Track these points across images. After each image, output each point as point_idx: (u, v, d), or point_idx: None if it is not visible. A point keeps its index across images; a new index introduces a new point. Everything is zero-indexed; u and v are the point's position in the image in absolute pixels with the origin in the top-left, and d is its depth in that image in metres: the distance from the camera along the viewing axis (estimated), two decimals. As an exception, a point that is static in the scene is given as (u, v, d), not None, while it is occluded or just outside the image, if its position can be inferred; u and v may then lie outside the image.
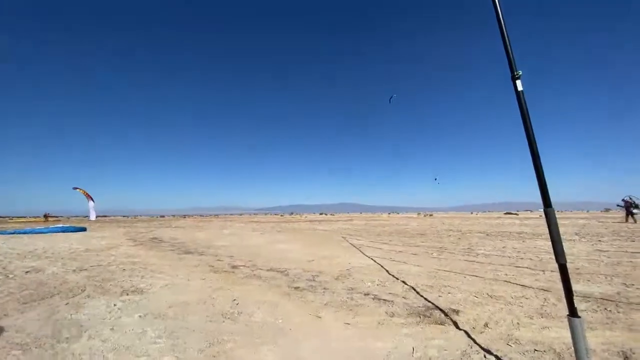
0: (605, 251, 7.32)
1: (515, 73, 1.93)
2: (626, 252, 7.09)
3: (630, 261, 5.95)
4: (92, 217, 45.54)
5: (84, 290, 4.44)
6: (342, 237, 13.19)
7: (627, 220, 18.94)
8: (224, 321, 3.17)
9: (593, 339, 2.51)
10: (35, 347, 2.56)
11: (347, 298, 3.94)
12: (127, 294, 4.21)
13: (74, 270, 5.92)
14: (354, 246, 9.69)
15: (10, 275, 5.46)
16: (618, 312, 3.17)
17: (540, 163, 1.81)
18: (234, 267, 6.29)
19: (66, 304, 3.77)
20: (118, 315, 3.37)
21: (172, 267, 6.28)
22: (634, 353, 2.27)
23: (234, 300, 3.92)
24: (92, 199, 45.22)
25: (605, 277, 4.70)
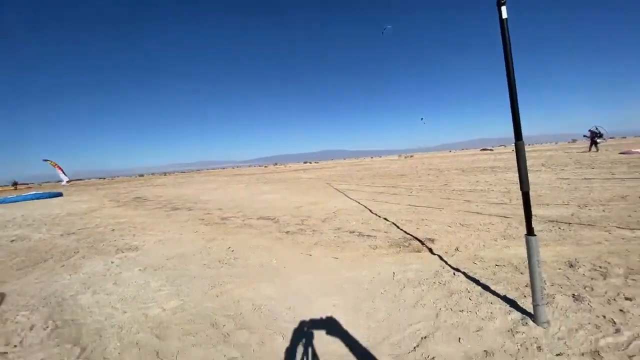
0: (566, 179, 8.05)
1: (501, -2, 1.82)
2: (585, 178, 7.83)
3: (587, 186, 6.62)
4: (64, 181, 43.74)
5: (77, 252, 4.51)
6: (327, 183, 13.58)
7: (590, 150, 20.45)
8: (221, 267, 3.40)
9: (545, 253, 2.94)
10: (43, 307, 2.70)
11: (334, 237, 4.26)
12: (122, 252, 4.33)
13: (61, 235, 5.91)
14: (339, 191, 10.07)
15: (-5, 245, 5.38)
16: (570, 230, 3.65)
17: (516, 95, 1.85)
18: (224, 218, 6.47)
19: (62, 266, 3.86)
20: (117, 271, 3.52)
21: (162, 224, 6.39)
22: (578, 262, 2.70)
23: (229, 248, 4.14)
24: (62, 171, 43.03)
25: (563, 202, 5.27)
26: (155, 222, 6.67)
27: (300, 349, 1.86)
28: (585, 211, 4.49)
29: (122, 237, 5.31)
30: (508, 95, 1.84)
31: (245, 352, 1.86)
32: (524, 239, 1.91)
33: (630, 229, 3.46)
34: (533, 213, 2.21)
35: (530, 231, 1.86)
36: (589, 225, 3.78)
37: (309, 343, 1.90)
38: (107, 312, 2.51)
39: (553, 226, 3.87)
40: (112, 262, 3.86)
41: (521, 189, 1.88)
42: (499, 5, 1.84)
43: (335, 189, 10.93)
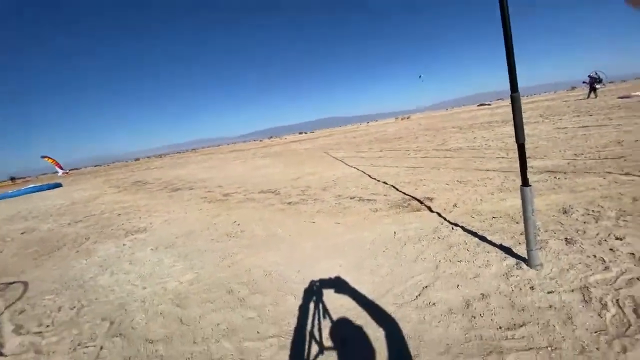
0: (563, 128, 8.02)
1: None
2: (582, 126, 7.81)
3: (584, 134, 6.63)
4: (60, 172, 43.59)
5: (88, 238, 4.65)
6: (324, 152, 13.53)
7: (589, 97, 20.05)
8: (229, 240, 3.54)
9: (540, 202, 3.05)
10: (66, 290, 2.86)
11: (335, 204, 4.37)
12: (132, 234, 4.46)
13: (69, 224, 6.03)
14: (337, 159, 10.08)
15: (8, 239, 5.52)
16: (565, 179, 3.74)
17: (512, 46, 1.79)
18: (226, 195, 6.56)
19: (76, 252, 4.00)
20: (131, 252, 3.66)
21: (165, 205, 6.49)
22: (572, 208, 2.81)
23: (235, 222, 4.27)
24: (60, 167, 42.64)
25: (560, 152, 5.31)
26: (159, 204, 6.77)
27: (311, 306, 2.01)
28: (581, 159, 4.55)
29: (129, 221, 5.43)
30: (504, 46, 1.78)
31: (262, 312, 2.01)
32: (519, 191, 1.98)
33: (625, 173, 3.54)
34: (529, 165, 2.26)
35: (525, 182, 1.92)
36: (584, 172, 3.86)
37: (319, 300, 2.05)
38: (128, 289, 2.66)
39: (549, 176, 3.95)
40: (123, 245, 4.00)
41: (516, 141, 1.90)
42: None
43: (333, 157, 10.93)
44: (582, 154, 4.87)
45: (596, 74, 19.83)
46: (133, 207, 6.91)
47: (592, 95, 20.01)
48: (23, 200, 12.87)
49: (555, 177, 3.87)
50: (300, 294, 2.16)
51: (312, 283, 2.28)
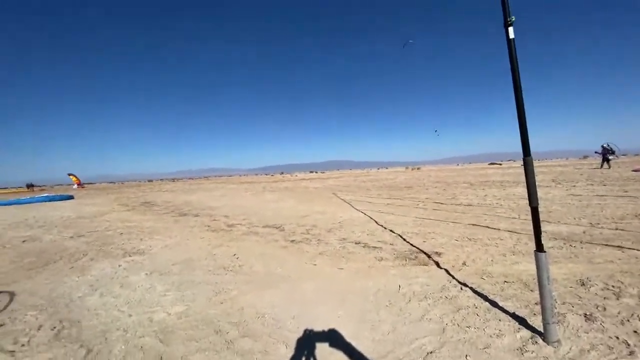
0: (577, 195, 7.88)
1: (509, 19, 1.87)
2: (597, 195, 7.66)
3: (599, 203, 6.48)
4: (75, 185, 45.24)
5: (86, 254, 4.59)
6: (333, 193, 13.58)
7: (602, 167, 20.08)
8: (226, 273, 3.41)
9: (556, 271, 2.87)
10: (50, 307, 2.74)
11: (340, 247, 4.24)
12: (130, 255, 4.39)
13: (71, 237, 6.02)
14: (345, 201, 10.06)
15: (8, 245, 5.52)
16: (581, 248, 3.56)
17: (524, 112, 1.87)
18: (230, 225, 6.51)
19: (71, 268, 3.93)
20: (124, 274, 3.56)
21: (169, 229, 6.46)
22: (590, 280, 2.63)
23: (234, 255, 4.16)
24: (80, 184, 45.15)
25: (574, 219, 5.15)
26: (163, 227, 6.75)
27: (303, 360, 1.84)
28: (598, 229, 4.38)
29: (130, 241, 5.38)
30: (516, 111, 1.86)
31: (249, 361, 1.85)
32: (534, 255, 1.89)
33: (645, 249, 3.36)
34: (543, 229, 2.18)
35: (539, 247, 1.84)
36: (601, 243, 3.69)
37: (313, 354, 1.88)
38: (114, 314, 2.53)
39: (564, 243, 3.78)
40: (119, 266, 3.91)
41: (530, 204, 1.87)
42: (506, 26, 1.88)
43: (341, 199, 10.91)
44: (599, 223, 4.70)
45: (608, 145, 20.11)
46: (137, 227, 6.90)
47: (606, 165, 20.09)
48: (34, 208, 13.11)
49: (571, 245, 3.69)
50: (293, 344, 1.99)
51: (307, 333, 2.11)
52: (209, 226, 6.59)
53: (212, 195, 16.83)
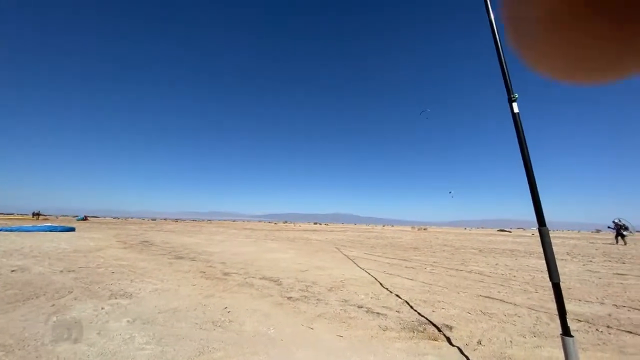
0: (596, 272, 7.38)
1: (512, 96, 2.00)
2: (616, 273, 7.16)
3: (621, 283, 6.01)
4: (79, 217, 45.69)
5: (71, 292, 4.33)
6: (336, 248, 13.11)
7: (617, 242, 19.40)
8: (214, 329, 3.11)
9: (585, 360, 2.52)
10: (19, 349, 2.48)
11: (340, 310, 3.90)
12: (116, 298, 4.11)
13: (61, 271, 5.78)
14: (348, 257, 9.63)
15: (-5, 274, 5.30)
16: (609, 334, 3.18)
17: (535, 183, 1.86)
18: (226, 274, 6.20)
19: (52, 306, 3.67)
20: (105, 319, 3.29)
21: (162, 272, 6.17)
22: (624, 375, 2.28)
23: (225, 308, 3.85)
24: (86, 219, 47.00)
25: (597, 298, 4.73)
26: (156, 269, 6.45)
27: None
28: (624, 312, 3.97)
29: (119, 282, 5.11)
30: (527, 181, 1.86)
31: None
32: (557, 339, 1.68)
33: (685, 343, 2.97)
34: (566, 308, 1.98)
35: (566, 331, 1.64)
36: (630, 330, 3.29)
37: None
38: (83, 367, 2.26)
39: (589, 327, 3.40)
40: (102, 308, 3.64)
41: (551, 279, 1.74)
42: (510, 102, 2.01)
43: (345, 254, 10.48)
44: (624, 306, 4.28)
45: (620, 220, 19.77)
46: (130, 267, 6.62)
47: (621, 241, 19.44)
48: (34, 237, 12.94)
49: (597, 330, 3.31)
50: None
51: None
52: (203, 272, 6.27)
53: (212, 239, 16.46)
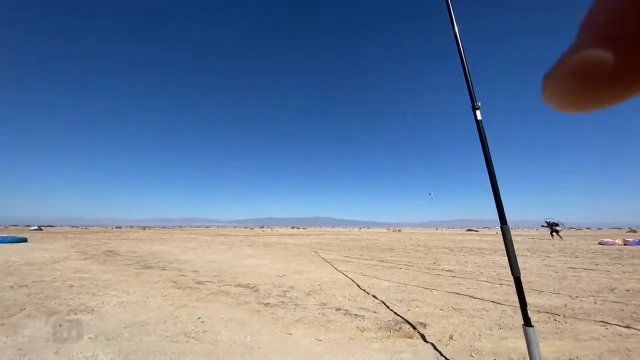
0: (552, 266, 8.04)
1: (475, 104, 2.15)
2: (570, 267, 7.85)
3: (574, 275, 6.59)
4: (33, 227, 41.61)
5: (24, 309, 3.92)
6: (314, 251, 13.10)
7: (553, 237, 22.69)
8: (187, 341, 2.97)
9: (545, 348, 2.72)
10: (-44, 379, 2.20)
11: (319, 314, 3.89)
12: (75, 314, 3.78)
13: (11, 287, 5.22)
14: (326, 261, 9.66)
15: None
16: (565, 323, 3.47)
17: (497, 185, 2.01)
18: (199, 282, 5.95)
19: (1, 325, 3.30)
20: (64, 337, 3.01)
21: (128, 284, 5.78)
22: (578, 360, 2.50)
23: (199, 318, 3.69)
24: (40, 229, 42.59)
25: (554, 290, 5.15)
26: (122, 281, 6.04)
27: None
28: (578, 302, 4.36)
29: (79, 296, 4.71)
30: (490, 183, 1.99)
31: None
32: (520, 330, 1.81)
33: (626, 326, 3.32)
34: (526, 300, 2.14)
35: (527, 321, 1.77)
36: (584, 318, 3.63)
37: None
38: (36, 393, 2.05)
39: (548, 317, 3.69)
40: (60, 326, 3.33)
41: (512, 274, 1.87)
42: (474, 109, 2.16)
43: (322, 258, 10.50)
44: (578, 297, 4.70)
45: (550, 219, 23.32)
46: (92, 279, 6.14)
47: (557, 237, 22.80)
48: (-26, 252, 11.54)
49: (555, 320, 3.60)
50: None
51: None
52: (175, 282, 5.97)
53: (184, 246, 15.73)
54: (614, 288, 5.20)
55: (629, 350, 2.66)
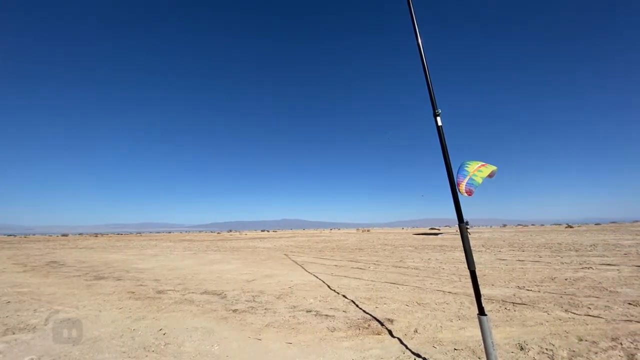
0: (503, 260, 8.82)
1: (436, 111, 2.30)
2: (518, 260, 8.68)
3: (521, 267, 7.30)
4: None
5: (-59, 334, 3.36)
6: (285, 254, 12.97)
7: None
8: (146, 355, 2.77)
9: (497, 335, 2.98)
10: None
11: (290, 317, 3.86)
12: (13, 333, 3.35)
13: None
14: (297, 263, 9.61)
15: None
16: (514, 311, 3.83)
17: (455, 185, 2.17)
18: (160, 292, 5.58)
19: None
20: (-4, 363, 2.64)
21: (77, 297, 5.24)
22: (527, 344, 2.77)
23: (160, 330, 3.47)
24: None
25: (504, 282, 5.65)
26: (69, 294, 5.45)
27: None
28: (524, 292, 4.83)
29: (18, 313, 4.17)
30: (449, 185, 2.14)
31: None
32: (477, 320, 1.96)
33: (564, 310, 3.76)
34: (480, 291, 2.33)
35: (481, 311, 1.93)
36: (530, 306, 4.03)
37: None
38: None
39: (500, 306, 4.04)
40: (-9, 350, 2.91)
41: (468, 267, 2.03)
42: (435, 116, 2.31)
43: (293, 260, 10.43)
44: (525, 286, 5.21)
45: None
46: (33, 294, 5.46)
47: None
48: None
49: (505, 308, 3.95)
50: None
51: None
52: (132, 293, 5.53)
53: (142, 254, 14.64)
54: (554, 278, 5.85)
55: (567, 333, 3.02)
